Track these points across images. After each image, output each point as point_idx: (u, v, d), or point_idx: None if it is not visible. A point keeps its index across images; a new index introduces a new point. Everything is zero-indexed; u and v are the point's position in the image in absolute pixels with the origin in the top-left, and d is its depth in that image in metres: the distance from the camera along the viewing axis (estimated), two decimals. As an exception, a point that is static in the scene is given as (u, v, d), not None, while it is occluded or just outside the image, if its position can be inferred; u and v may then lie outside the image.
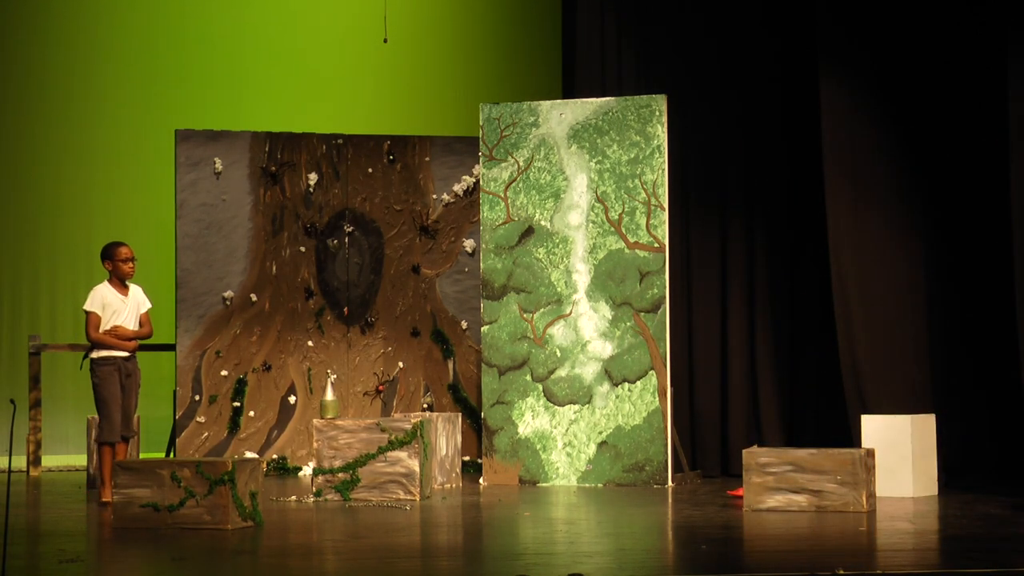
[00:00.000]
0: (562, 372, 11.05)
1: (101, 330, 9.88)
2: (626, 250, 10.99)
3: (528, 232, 11.20)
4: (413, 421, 9.88)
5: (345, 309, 12.21)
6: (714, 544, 7.52)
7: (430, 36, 14.34)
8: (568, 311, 11.07)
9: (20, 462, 12.34)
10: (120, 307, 9.95)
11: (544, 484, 10.97)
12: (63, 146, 14.06)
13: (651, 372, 10.85)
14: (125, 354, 9.91)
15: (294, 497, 9.92)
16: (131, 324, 9.98)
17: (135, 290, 10.08)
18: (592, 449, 10.95)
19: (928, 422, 9.91)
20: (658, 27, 12.04)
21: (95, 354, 9.91)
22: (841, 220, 11.03)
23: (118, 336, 9.90)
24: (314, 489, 9.85)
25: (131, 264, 10.01)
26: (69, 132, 14.08)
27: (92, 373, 9.90)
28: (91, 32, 14.14)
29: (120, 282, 10.01)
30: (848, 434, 10.72)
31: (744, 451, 9.22)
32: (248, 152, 12.11)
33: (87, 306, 9.93)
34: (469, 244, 12.31)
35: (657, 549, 7.61)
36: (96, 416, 11.24)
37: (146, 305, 10.09)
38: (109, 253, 10.02)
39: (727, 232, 11.85)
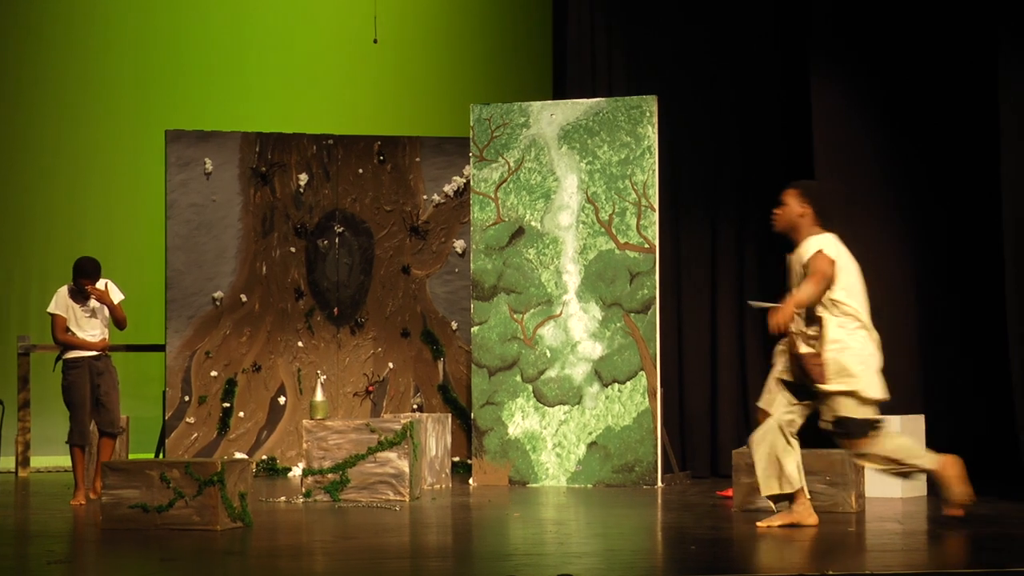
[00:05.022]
0: (552, 373, 11.05)
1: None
2: (616, 251, 10.99)
3: (518, 233, 11.20)
4: (403, 422, 9.88)
5: (335, 310, 12.21)
6: (703, 545, 7.53)
7: (420, 37, 14.35)
8: (558, 312, 11.07)
9: (9, 463, 12.34)
10: (83, 306, 9.96)
11: (534, 485, 10.97)
12: (53, 146, 14.06)
13: (641, 373, 10.85)
14: (94, 354, 9.93)
15: (283, 498, 9.91)
16: (96, 325, 9.96)
17: (103, 286, 10.03)
18: (582, 450, 10.95)
19: (917, 423, 9.92)
20: (648, 27, 12.05)
21: (66, 355, 9.94)
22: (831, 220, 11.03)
23: (98, 299, 9.89)
24: (304, 490, 9.84)
25: (89, 293, 9.95)
26: (59, 132, 14.07)
27: (63, 375, 9.94)
28: (83, 33, 14.14)
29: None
30: (838, 435, 10.72)
31: (734, 452, 9.23)
32: (238, 152, 12.10)
33: (51, 309, 9.97)
34: (459, 245, 12.31)
35: (646, 550, 7.61)
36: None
37: (118, 297, 10.07)
38: (74, 273, 9.95)
39: (717, 233, 11.86)
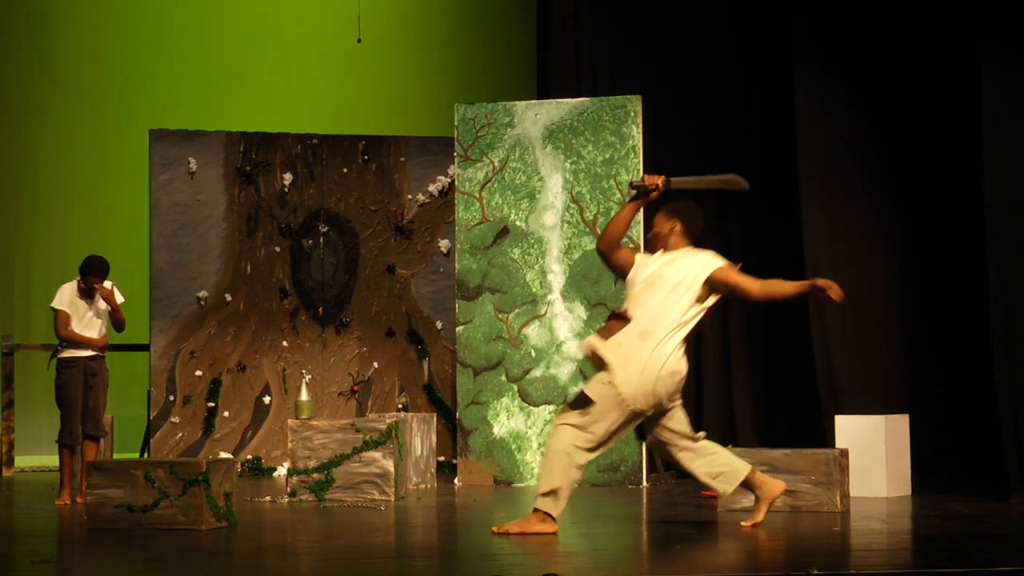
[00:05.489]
0: (537, 372, 11.05)
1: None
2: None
3: (503, 232, 11.20)
4: (388, 421, 9.88)
5: (320, 309, 12.20)
6: (688, 544, 7.54)
7: (404, 36, 14.34)
8: (543, 311, 11.08)
9: (-7, 463, 12.31)
10: (88, 304, 9.96)
11: (519, 484, 10.97)
12: (37, 146, 14.03)
13: (626, 372, 10.85)
14: (90, 354, 9.91)
15: (268, 497, 9.91)
16: (97, 324, 9.96)
17: (108, 286, 10.06)
18: (567, 449, 10.93)
19: (901, 422, 9.94)
20: (633, 28, 12.06)
21: (62, 354, 9.91)
22: (816, 221, 11.06)
23: (105, 298, 9.89)
24: (288, 489, 9.83)
25: (96, 292, 9.98)
26: (43, 132, 14.05)
27: (56, 374, 9.90)
28: (65, 32, 14.11)
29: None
30: (822, 434, 10.75)
31: (718, 451, 9.22)
32: (223, 152, 12.09)
33: (55, 304, 9.93)
34: (444, 244, 12.31)
35: (631, 549, 7.62)
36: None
37: (119, 299, 10.09)
38: (84, 270, 9.94)
39: (702, 233, 11.85)
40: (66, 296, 9.93)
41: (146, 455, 11.99)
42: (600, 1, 12.16)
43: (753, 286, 7.86)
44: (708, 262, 7.95)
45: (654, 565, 7.00)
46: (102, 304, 9.96)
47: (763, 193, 11.83)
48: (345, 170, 12.31)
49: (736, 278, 7.88)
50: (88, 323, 9.92)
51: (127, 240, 13.48)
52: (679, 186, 8.05)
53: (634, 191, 7.98)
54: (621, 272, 8.11)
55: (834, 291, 7.66)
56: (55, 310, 9.92)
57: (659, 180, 7.92)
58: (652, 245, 8.12)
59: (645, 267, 8.00)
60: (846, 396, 10.83)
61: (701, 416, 11.75)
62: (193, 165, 12.03)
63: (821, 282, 7.74)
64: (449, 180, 12.24)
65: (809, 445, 10.16)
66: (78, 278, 9.96)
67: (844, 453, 9.01)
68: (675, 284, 7.86)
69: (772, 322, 11.76)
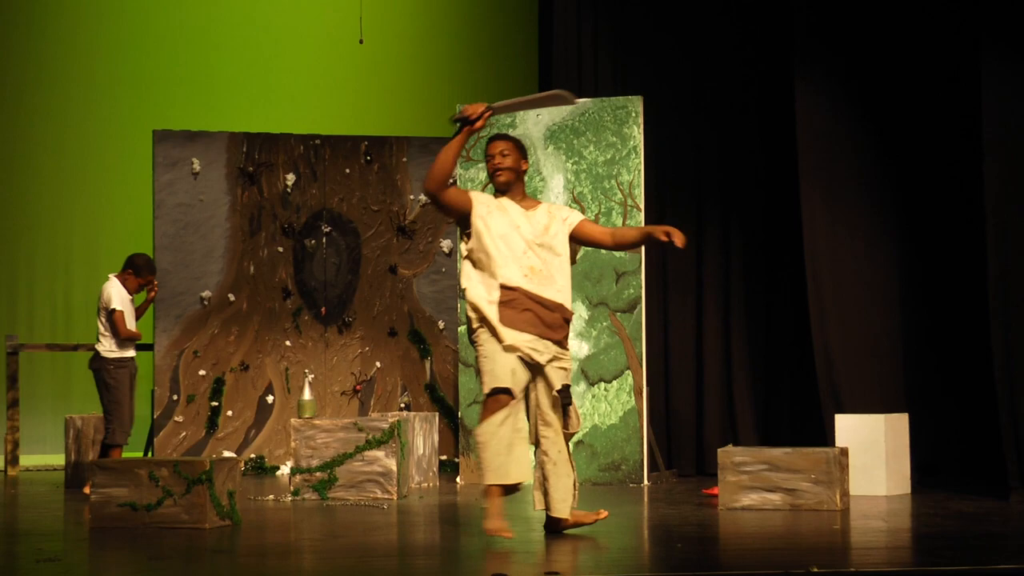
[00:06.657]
0: (539, 372, 11.06)
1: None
2: (602, 250, 11.02)
3: (505, 232, 11.21)
4: (390, 420, 9.91)
5: (323, 309, 12.23)
6: (689, 543, 7.57)
7: (406, 37, 14.37)
8: (545, 311, 11.09)
9: (-3, 462, 12.34)
10: (130, 302, 10.28)
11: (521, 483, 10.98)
12: (40, 146, 14.06)
13: (627, 372, 10.89)
14: (134, 354, 10.19)
15: (272, 496, 9.94)
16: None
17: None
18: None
19: (901, 421, 9.97)
20: (634, 29, 12.09)
21: (113, 354, 10.05)
22: (816, 222, 11.08)
23: (153, 297, 10.38)
24: (292, 488, 9.87)
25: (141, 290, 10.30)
26: (47, 132, 14.08)
27: (107, 374, 10.04)
28: (69, 32, 14.14)
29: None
30: (822, 433, 10.78)
31: (719, 450, 9.26)
32: (226, 152, 12.13)
33: (116, 304, 10.10)
34: (446, 244, 12.34)
35: (632, 548, 7.65)
36: (71, 416, 11.32)
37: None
38: (143, 271, 10.14)
39: (703, 233, 11.90)
40: (124, 294, 10.11)
41: (150, 454, 12.03)
42: (601, 1, 12.19)
43: (605, 237, 7.62)
44: (571, 216, 7.64)
45: (655, 563, 7.03)
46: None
47: (763, 192, 11.87)
48: (347, 170, 12.34)
49: (594, 230, 7.64)
50: (131, 321, 10.19)
51: (130, 240, 13.52)
52: (504, 110, 7.68)
53: (457, 123, 7.50)
54: (456, 212, 7.58)
55: (677, 237, 7.29)
56: (117, 310, 10.06)
57: (481, 108, 7.49)
58: (493, 179, 7.68)
59: (499, 215, 7.57)
60: (846, 395, 10.86)
61: (702, 415, 11.78)
62: (196, 165, 12.07)
63: (660, 230, 7.36)
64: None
65: (809, 444, 10.19)
66: (116, 274, 10.15)
67: (844, 452, 9.04)
68: (562, 250, 7.60)
69: (773, 321, 11.78)
